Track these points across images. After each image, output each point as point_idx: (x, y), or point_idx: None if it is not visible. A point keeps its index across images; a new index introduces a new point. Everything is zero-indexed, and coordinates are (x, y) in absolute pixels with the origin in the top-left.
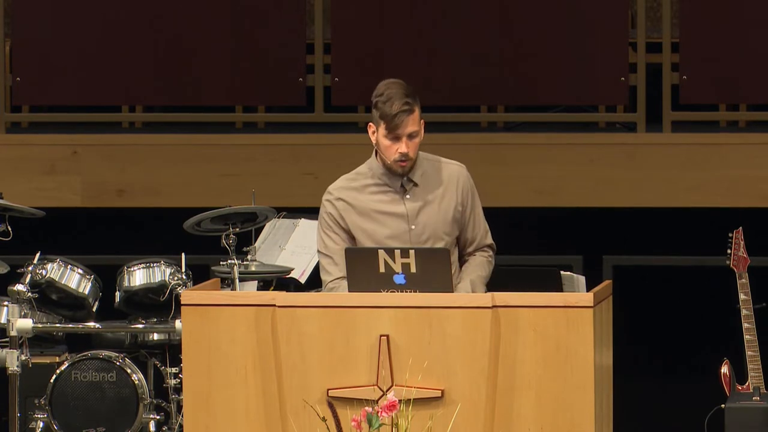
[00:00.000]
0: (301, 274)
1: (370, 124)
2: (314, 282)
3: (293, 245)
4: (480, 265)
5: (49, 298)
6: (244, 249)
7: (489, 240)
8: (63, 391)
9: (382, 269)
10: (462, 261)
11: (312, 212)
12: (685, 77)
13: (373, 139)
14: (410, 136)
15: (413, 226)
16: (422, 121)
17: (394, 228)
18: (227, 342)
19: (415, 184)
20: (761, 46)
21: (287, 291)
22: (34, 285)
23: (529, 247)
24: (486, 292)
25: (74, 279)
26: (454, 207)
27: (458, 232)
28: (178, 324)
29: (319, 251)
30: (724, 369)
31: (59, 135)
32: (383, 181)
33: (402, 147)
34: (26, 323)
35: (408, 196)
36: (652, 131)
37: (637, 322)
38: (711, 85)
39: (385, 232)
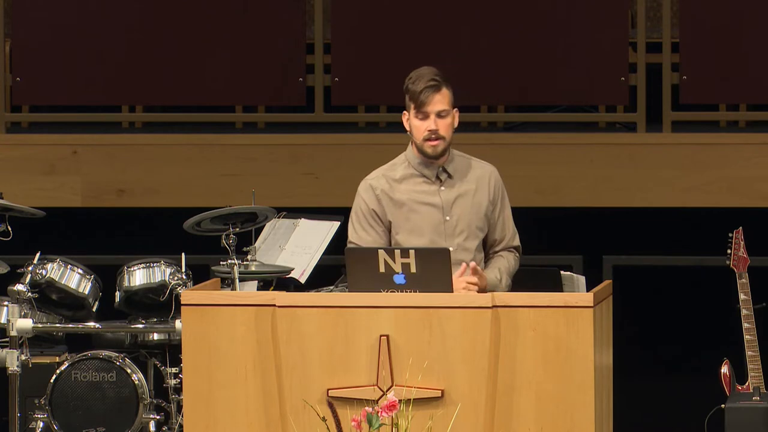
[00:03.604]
0: (301, 274)
1: (404, 112)
2: (314, 282)
3: (293, 245)
4: (506, 258)
5: (49, 298)
6: (244, 249)
7: (516, 242)
8: (63, 391)
9: (382, 269)
10: (487, 259)
11: (312, 212)
12: (685, 77)
13: (407, 126)
14: (439, 115)
15: (447, 218)
16: (456, 110)
17: (429, 218)
18: (227, 342)
19: (449, 176)
20: (761, 46)
21: (287, 291)
22: (34, 285)
23: (529, 247)
24: (510, 283)
25: (74, 279)
26: (486, 204)
27: (487, 230)
28: (178, 324)
29: (349, 242)
30: (724, 369)
31: (59, 135)
32: (419, 171)
33: (431, 124)
34: (26, 323)
35: (443, 188)
36: (652, 131)
37: (637, 322)
38: (711, 85)
39: (420, 222)
